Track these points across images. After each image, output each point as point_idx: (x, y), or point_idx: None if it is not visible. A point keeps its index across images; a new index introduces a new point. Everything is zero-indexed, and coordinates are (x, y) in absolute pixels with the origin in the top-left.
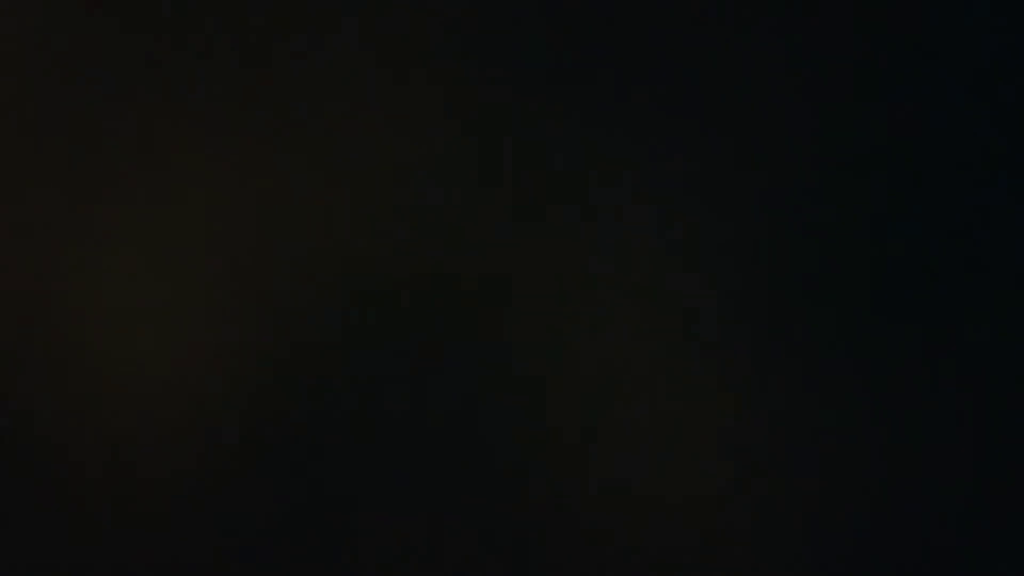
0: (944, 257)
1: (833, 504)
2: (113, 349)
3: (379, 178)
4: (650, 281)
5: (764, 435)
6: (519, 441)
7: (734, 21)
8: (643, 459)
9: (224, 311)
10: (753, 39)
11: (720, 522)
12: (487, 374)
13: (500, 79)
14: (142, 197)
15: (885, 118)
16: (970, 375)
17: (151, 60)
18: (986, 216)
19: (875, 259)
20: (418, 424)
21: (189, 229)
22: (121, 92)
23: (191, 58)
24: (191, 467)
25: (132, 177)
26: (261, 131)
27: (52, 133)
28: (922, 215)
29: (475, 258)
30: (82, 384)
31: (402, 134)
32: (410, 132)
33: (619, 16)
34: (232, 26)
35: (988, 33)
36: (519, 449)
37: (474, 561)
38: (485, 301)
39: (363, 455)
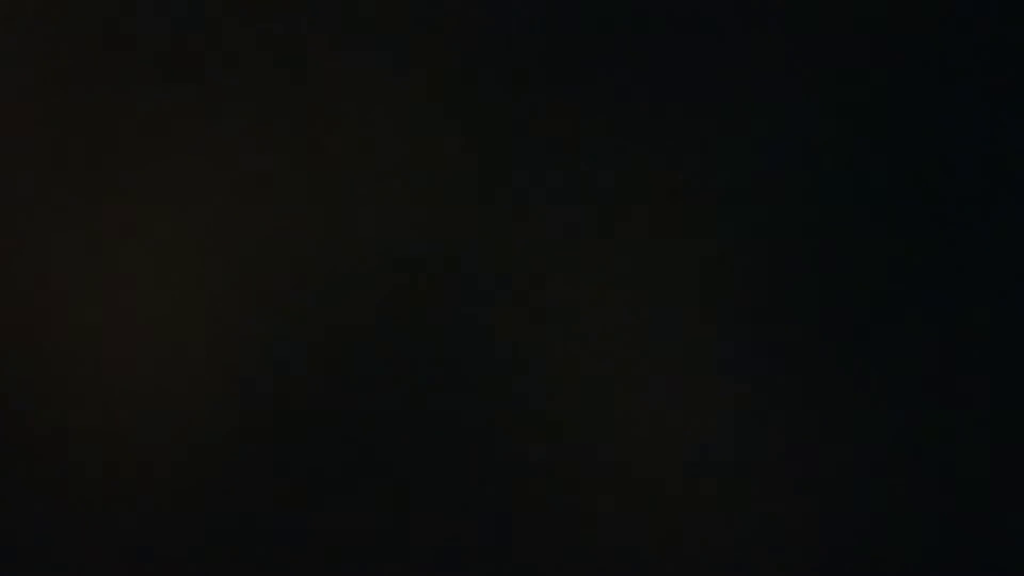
0: (945, 256)
1: (834, 505)
2: (113, 349)
3: (380, 178)
4: (651, 279)
5: (764, 435)
6: (518, 438)
7: (734, 20)
8: (641, 453)
9: (224, 311)
10: (753, 37)
11: (720, 521)
12: (488, 373)
13: (497, 76)
14: (143, 197)
15: (886, 118)
16: (971, 375)
17: (153, 60)
18: (988, 216)
19: (876, 258)
20: (418, 422)
21: (188, 229)
22: (122, 92)
23: (193, 59)
24: (190, 467)
25: (133, 177)
26: (262, 132)
27: (53, 134)
28: (923, 213)
29: (474, 256)
30: (82, 384)
31: (404, 133)
32: (412, 130)
33: (615, 12)
34: (234, 26)
35: (988, 33)
36: (518, 445)
37: (470, 557)
38: (485, 301)
39: (362, 453)
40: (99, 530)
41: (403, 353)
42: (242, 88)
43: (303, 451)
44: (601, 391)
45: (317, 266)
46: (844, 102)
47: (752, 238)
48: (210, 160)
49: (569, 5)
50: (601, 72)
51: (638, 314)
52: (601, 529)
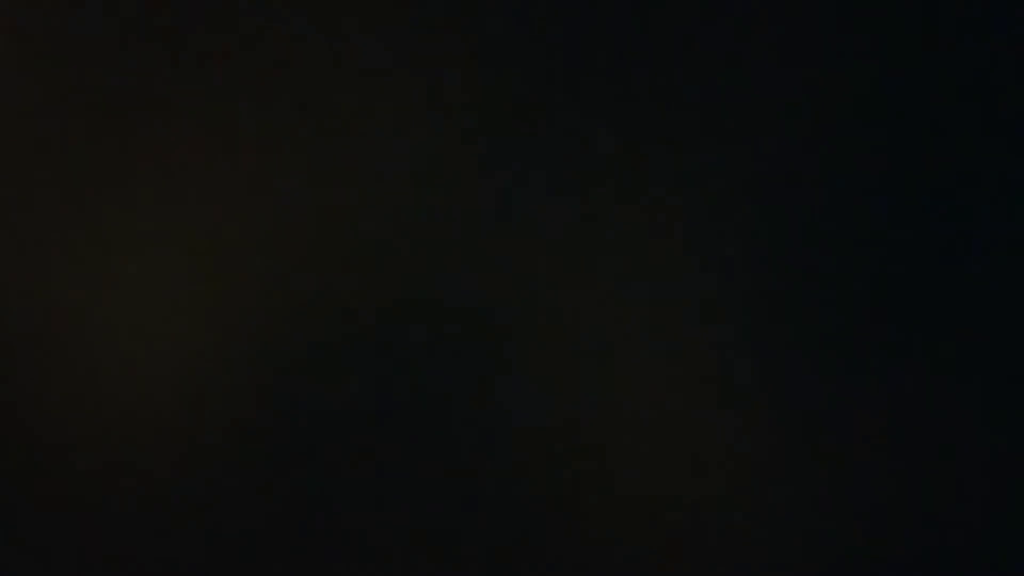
0: (946, 256)
1: (834, 506)
2: (113, 350)
3: (383, 183)
4: (652, 283)
5: (765, 437)
6: (519, 442)
7: (738, 18)
8: (645, 461)
9: (225, 311)
10: (757, 37)
11: (721, 524)
12: (489, 374)
13: (503, 84)
14: (143, 198)
15: (887, 117)
16: (971, 376)
17: (155, 60)
18: (987, 216)
19: (877, 258)
20: (419, 426)
21: (190, 231)
22: (123, 92)
23: (195, 58)
24: (189, 468)
25: (134, 178)
26: (264, 134)
27: (54, 134)
28: (924, 213)
29: (474, 257)
30: (82, 384)
31: (409, 139)
32: (417, 137)
33: (622, 13)
34: (236, 26)
35: (988, 33)
36: (518, 444)
37: (471, 559)
38: (485, 301)
39: (362, 457)
40: (97, 530)
41: (403, 353)
42: (243, 88)
43: (303, 451)
44: (600, 391)
45: (318, 265)
46: (845, 102)
47: (753, 238)
48: (211, 160)
49: (570, 5)
50: (602, 72)
51: (638, 314)
52: (600, 531)
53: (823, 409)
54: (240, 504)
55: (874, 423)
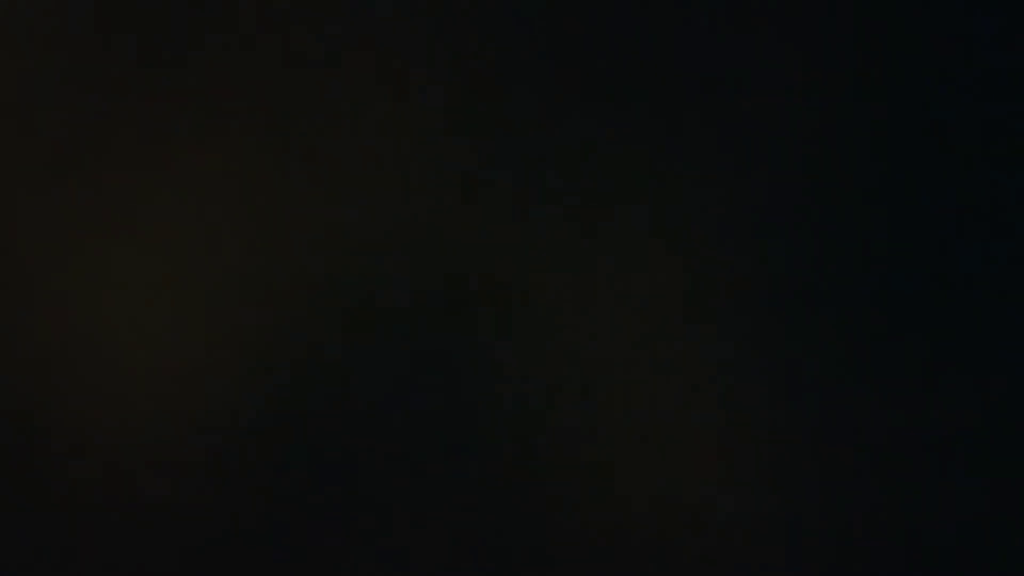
0: (946, 256)
1: (834, 506)
2: (112, 350)
3: (381, 181)
4: (652, 282)
5: (765, 437)
6: (519, 443)
7: (735, 19)
8: (644, 462)
9: (225, 312)
10: (754, 37)
11: (720, 523)
12: (487, 374)
13: (500, 81)
14: (144, 198)
15: (887, 117)
16: (972, 376)
17: (153, 60)
18: (987, 216)
19: (877, 258)
20: (419, 425)
21: (190, 230)
22: (123, 92)
23: (193, 58)
24: (190, 467)
25: (134, 178)
26: (265, 132)
27: (54, 133)
28: (924, 213)
29: (476, 260)
30: (82, 383)
31: (405, 137)
32: (412, 135)
33: (618, 15)
34: (234, 27)
35: (988, 33)
36: (518, 450)
37: (471, 562)
38: (485, 302)
39: (363, 457)
40: (97, 531)
41: (402, 352)
42: (244, 90)
43: (303, 454)
44: (598, 392)
45: (318, 267)
46: (844, 102)
47: (752, 239)
48: (210, 160)
49: (571, 5)
50: (602, 72)
51: (637, 315)
52: (599, 530)
53: (823, 410)
54: (241, 504)
55: (874, 426)
